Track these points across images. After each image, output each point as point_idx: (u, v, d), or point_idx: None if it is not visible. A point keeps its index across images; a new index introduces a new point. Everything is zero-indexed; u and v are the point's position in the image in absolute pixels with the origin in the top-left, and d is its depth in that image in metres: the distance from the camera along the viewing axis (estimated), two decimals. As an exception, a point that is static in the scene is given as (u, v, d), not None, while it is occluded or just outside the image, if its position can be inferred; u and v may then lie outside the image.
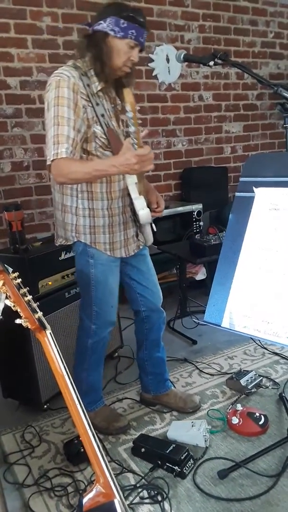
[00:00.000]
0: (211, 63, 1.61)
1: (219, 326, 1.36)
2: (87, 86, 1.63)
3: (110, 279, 1.83)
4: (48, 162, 1.58)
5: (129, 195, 1.75)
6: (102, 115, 1.67)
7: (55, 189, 1.78)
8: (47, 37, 3.06)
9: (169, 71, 3.62)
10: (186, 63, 2.01)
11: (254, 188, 1.38)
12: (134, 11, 1.63)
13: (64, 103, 1.56)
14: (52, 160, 1.56)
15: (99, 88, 1.67)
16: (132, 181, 1.69)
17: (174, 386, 2.24)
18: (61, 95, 1.57)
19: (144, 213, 1.74)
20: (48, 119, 1.59)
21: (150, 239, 1.93)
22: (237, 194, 1.44)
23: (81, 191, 1.71)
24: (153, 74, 3.56)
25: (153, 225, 1.93)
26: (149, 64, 3.51)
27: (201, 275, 3.35)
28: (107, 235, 1.77)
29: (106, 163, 1.54)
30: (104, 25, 1.61)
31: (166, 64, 3.58)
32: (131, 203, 1.77)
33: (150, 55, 3.50)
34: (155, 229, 1.95)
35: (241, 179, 1.44)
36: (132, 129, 1.58)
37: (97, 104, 1.66)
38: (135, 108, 1.47)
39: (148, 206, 1.85)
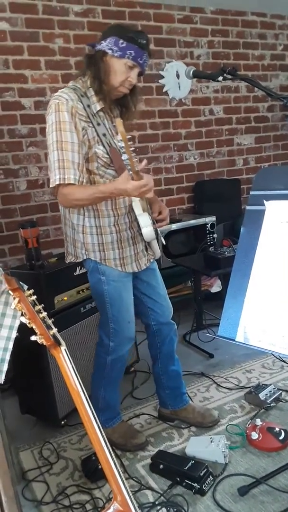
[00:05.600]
0: (220, 78, 1.62)
1: (234, 340, 1.35)
2: (87, 107, 1.66)
3: (124, 294, 1.83)
4: (52, 185, 1.63)
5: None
6: (104, 135, 1.68)
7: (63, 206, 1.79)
8: (59, 58, 3.15)
9: (179, 87, 3.67)
10: (196, 78, 2.03)
11: (265, 202, 1.38)
12: (135, 32, 1.65)
13: (66, 128, 1.59)
14: (59, 184, 1.60)
15: (98, 108, 1.69)
16: (135, 198, 1.70)
17: (192, 400, 2.21)
18: (62, 120, 1.59)
19: (147, 231, 1.74)
20: (50, 142, 1.63)
21: (158, 253, 1.93)
22: (247, 207, 1.44)
23: (87, 210, 1.73)
24: (164, 90, 3.61)
25: (162, 239, 1.93)
26: (159, 81, 3.57)
27: (216, 287, 3.33)
28: (117, 251, 1.78)
29: (108, 190, 1.59)
30: (104, 44, 1.64)
31: (176, 80, 3.64)
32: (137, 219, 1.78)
33: (160, 71, 3.55)
34: (164, 243, 1.95)
35: (252, 192, 1.44)
36: (124, 157, 1.65)
37: (98, 124, 1.68)
38: (125, 138, 1.52)
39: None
